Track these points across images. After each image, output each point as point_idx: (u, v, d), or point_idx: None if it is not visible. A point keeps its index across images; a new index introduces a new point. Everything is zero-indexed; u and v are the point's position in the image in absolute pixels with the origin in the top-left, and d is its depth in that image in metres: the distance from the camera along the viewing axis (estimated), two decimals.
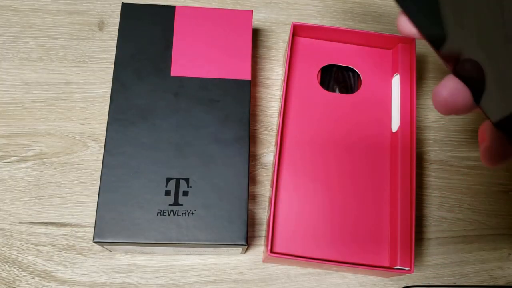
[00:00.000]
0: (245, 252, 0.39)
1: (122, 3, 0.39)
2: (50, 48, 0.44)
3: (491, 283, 0.40)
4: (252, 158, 0.42)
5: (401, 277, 0.39)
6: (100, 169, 0.34)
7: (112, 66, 0.37)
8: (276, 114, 0.43)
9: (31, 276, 0.37)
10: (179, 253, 0.38)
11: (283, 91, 0.39)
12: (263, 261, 0.39)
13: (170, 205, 0.33)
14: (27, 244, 0.38)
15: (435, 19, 0.18)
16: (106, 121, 0.35)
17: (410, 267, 0.35)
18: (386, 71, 0.42)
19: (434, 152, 0.44)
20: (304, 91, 0.41)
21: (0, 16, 0.44)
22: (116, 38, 0.38)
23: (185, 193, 0.34)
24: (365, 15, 0.48)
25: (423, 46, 0.48)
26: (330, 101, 0.41)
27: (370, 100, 0.41)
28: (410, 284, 0.39)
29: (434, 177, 0.43)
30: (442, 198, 0.42)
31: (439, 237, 0.41)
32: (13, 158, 0.40)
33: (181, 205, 0.34)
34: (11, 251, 0.38)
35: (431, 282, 0.40)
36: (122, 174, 0.34)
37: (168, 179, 0.34)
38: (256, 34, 0.46)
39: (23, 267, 0.37)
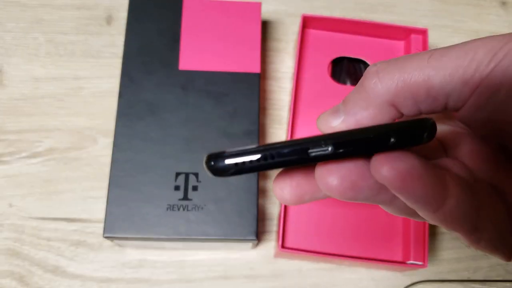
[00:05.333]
0: (256, 247, 0.39)
1: None
2: (59, 43, 0.43)
3: (506, 278, 0.39)
4: None
5: (414, 271, 0.39)
6: (110, 164, 0.34)
7: (121, 60, 0.37)
8: (286, 108, 0.43)
9: (43, 271, 0.37)
10: (190, 248, 0.38)
11: (293, 84, 0.39)
12: (274, 256, 0.38)
13: (179, 200, 0.33)
14: (38, 239, 0.38)
15: None
16: (115, 116, 0.35)
17: (424, 262, 0.34)
18: None
19: None
20: (315, 84, 0.41)
21: (9, 11, 0.44)
22: (124, 32, 0.38)
23: (195, 188, 0.34)
24: (377, 6, 0.47)
25: (435, 37, 0.47)
26: (342, 94, 0.40)
27: None
28: (423, 279, 0.39)
29: None
30: None
31: None
32: (23, 154, 0.40)
33: (191, 199, 0.33)
34: (23, 246, 0.38)
35: (445, 277, 0.39)
36: (131, 169, 0.34)
37: (178, 174, 0.34)
38: (266, 26, 0.46)
39: (35, 262, 0.37)
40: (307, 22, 0.41)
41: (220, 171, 0.16)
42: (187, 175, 0.34)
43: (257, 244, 0.38)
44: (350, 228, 0.37)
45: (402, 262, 0.36)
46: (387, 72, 0.17)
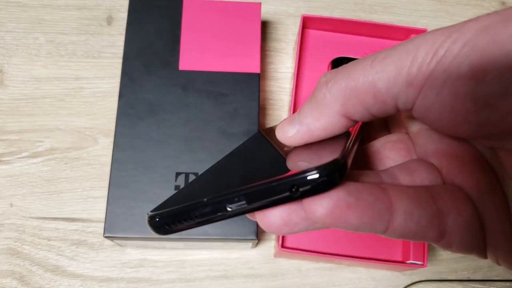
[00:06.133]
0: (255, 247, 0.39)
1: None
2: (60, 44, 0.44)
3: (506, 278, 0.39)
4: None
5: (414, 271, 0.39)
6: (110, 164, 0.34)
7: (121, 60, 0.37)
8: (286, 108, 0.43)
9: (44, 271, 0.37)
10: (190, 247, 0.38)
11: (293, 85, 0.39)
12: (274, 256, 0.39)
13: None
14: (39, 239, 0.38)
15: None
16: (115, 116, 0.35)
17: (423, 261, 0.34)
18: None
19: None
20: (314, 84, 0.40)
21: (10, 12, 0.44)
22: (125, 33, 0.38)
23: None
24: (376, 6, 0.47)
25: None
26: None
27: None
28: (423, 279, 0.39)
29: None
30: None
31: None
32: (24, 154, 0.40)
33: None
34: (24, 246, 0.38)
35: (445, 277, 0.39)
36: (132, 169, 0.34)
37: (178, 174, 0.34)
38: (265, 26, 0.46)
39: (36, 262, 0.38)
40: (307, 23, 0.41)
41: (161, 231, 0.17)
42: (187, 175, 0.34)
43: (257, 244, 0.39)
44: None
45: (402, 262, 0.36)
46: (335, 82, 0.17)
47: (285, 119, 0.19)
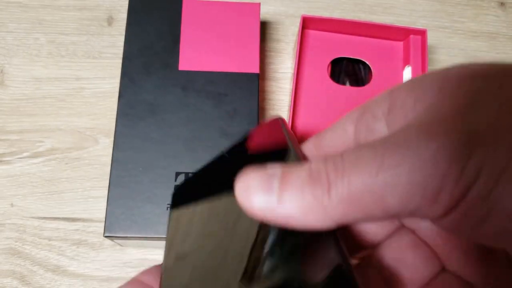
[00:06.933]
0: None
1: None
2: (60, 44, 0.44)
3: None
4: None
5: None
6: (110, 164, 0.34)
7: (121, 61, 0.37)
8: (286, 108, 0.43)
9: (44, 271, 0.38)
10: None
11: (293, 85, 0.39)
12: None
13: None
14: (39, 239, 0.38)
15: None
16: (115, 116, 0.35)
17: None
18: (397, 63, 0.42)
19: None
20: (314, 84, 0.41)
21: (10, 12, 0.44)
22: (124, 33, 0.38)
23: None
24: (376, 7, 0.48)
25: (434, 37, 0.47)
26: (341, 94, 0.41)
27: (381, 93, 0.41)
28: None
29: None
30: None
31: None
32: (25, 154, 0.40)
33: None
34: (24, 246, 0.38)
35: None
36: (132, 169, 0.34)
37: (177, 174, 0.34)
38: (265, 27, 0.46)
39: (36, 262, 0.38)
40: (307, 23, 0.41)
41: None
42: (187, 175, 0.34)
43: None
44: None
45: None
46: (335, 187, 0.14)
47: (255, 175, 0.15)
